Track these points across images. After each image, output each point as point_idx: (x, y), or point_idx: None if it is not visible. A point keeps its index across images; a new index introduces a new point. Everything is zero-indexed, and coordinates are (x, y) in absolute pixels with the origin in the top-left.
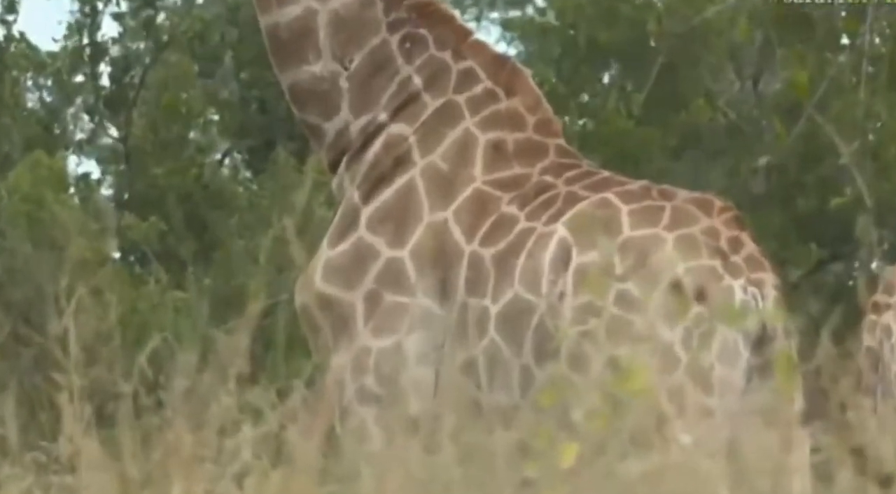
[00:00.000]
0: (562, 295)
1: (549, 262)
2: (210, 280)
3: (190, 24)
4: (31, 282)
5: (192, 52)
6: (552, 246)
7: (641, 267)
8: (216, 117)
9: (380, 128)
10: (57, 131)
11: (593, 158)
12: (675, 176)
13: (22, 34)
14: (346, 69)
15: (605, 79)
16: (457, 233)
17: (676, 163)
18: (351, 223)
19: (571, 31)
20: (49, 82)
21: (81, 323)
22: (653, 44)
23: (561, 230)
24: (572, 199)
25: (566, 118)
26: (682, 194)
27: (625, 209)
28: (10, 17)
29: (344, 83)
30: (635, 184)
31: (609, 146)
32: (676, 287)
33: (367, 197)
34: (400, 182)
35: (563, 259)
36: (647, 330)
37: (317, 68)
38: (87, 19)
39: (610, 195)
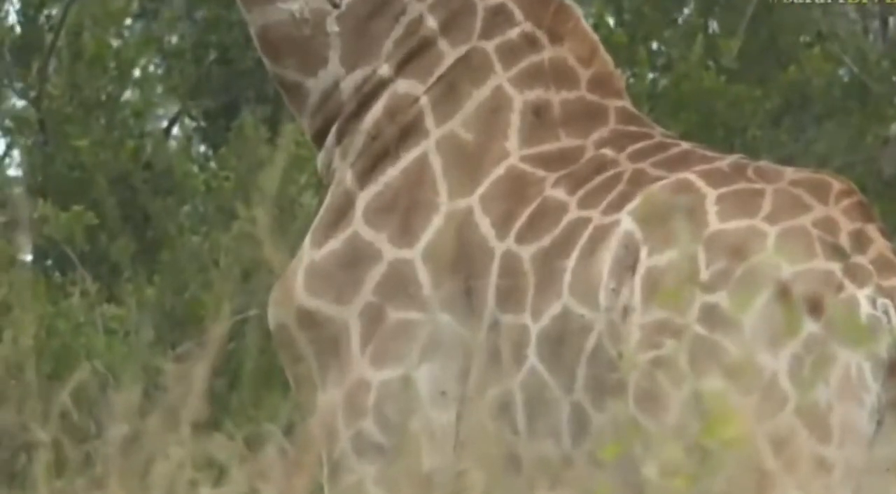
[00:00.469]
0: (627, 310)
1: (609, 265)
2: (154, 290)
3: None
4: None
5: None
6: (614, 243)
7: (734, 272)
8: (160, 71)
9: (381, 85)
10: None
11: (669, 125)
12: (779, 148)
13: None
14: (335, 6)
15: (681, 19)
16: (485, 227)
17: (779, 131)
18: (343, 214)
19: None
20: None
21: None
22: None
23: (625, 222)
24: (640, 180)
25: (632, 72)
26: (788, 173)
27: (711, 194)
28: None
29: (333, 26)
30: (725, 161)
31: (690, 109)
32: (781, 298)
33: (364, 178)
34: (408, 158)
35: (628, 260)
36: (742, 356)
37: (296, 5)
38: None
39: (691, 175)
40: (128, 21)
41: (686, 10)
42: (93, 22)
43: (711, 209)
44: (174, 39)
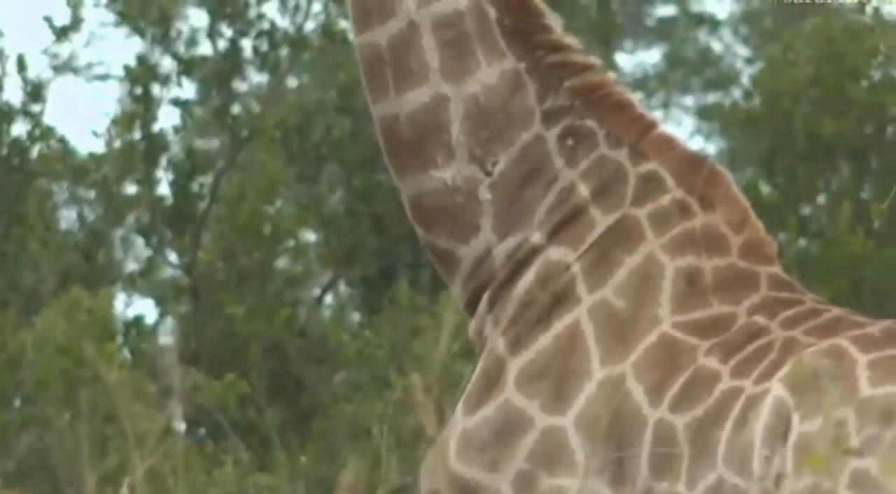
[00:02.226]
0: (780, 477)
1: (762, 433)
2: (307, 458)
3: (284, 114)
4: (70, 464)
5: (287, 151)
6: (766, 411)
7: (884, 438)
8: (313, 238)
9: (533, 252)
10: (101, 260)
11: (820, 291)
12: None
13: (52, 130)
14: (487, 175)
15: (834, 184)
16: (637, 394)
17: None
18: (495, 381)
19: (784, 121)
20: (90, 194)
21: None
22: None
23: (777, 389)
24: (792, 347)
25: (782, 237)
26: None
27: (862, 360)
28: (36, 107)
29: (485, 194)
30: (876, 326)
31: (841, 274)
32: None
33: (516, 345)
34: (560, 325)
35: (780, 428)
36: None
37: (448, 174)
38: (140, 107)
39: (842, 341)
40: (282, 190)
41: (841, 174)
42: (249, 190)
43: (862, 374)
44: (330, 206)
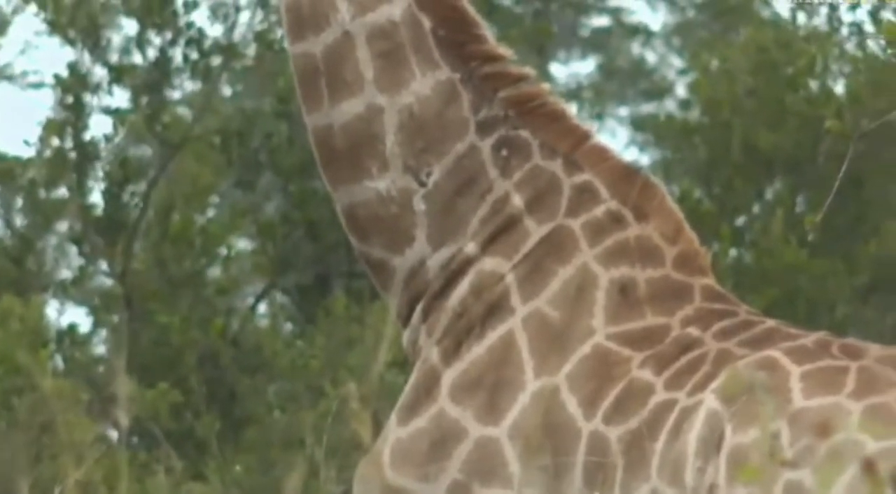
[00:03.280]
0: (713, 489)
1: (695, 445)
2: (240, 467)
3: (219, 123)
4: (3, 472)
5: (226, 157)
6: (699, 422)
7: (818, 449)
8: (248, 246)
9: (467, 263)
10: (31, 267)
11: (753, 300)
12: (864, 325)
13: None
14: (421, 185)
15: (769, 194)
16: (571, 406)
17: (865, 308)
18: (429, 391)
19: (723, 132)
20: (20, 200)
21: None
22: (832, 148)
23: (710, 401)
24: (725, 359)
25: (716, 247)
26: (873, 350)
27: (795, 371)
28: None
29: (419, 204)
30: (809, 338)
31: (774, 285)
32: (866, 474)
33: (450, 356)
34: (494, 336)
35: (713, 439)
36: None
37: (382, 184)
38: (71, 114)
39: (775, 352)
40: (216, 199)
41: (776, 185)
42: (179, 199)
43: (795, 386)
44: (267, 213)
